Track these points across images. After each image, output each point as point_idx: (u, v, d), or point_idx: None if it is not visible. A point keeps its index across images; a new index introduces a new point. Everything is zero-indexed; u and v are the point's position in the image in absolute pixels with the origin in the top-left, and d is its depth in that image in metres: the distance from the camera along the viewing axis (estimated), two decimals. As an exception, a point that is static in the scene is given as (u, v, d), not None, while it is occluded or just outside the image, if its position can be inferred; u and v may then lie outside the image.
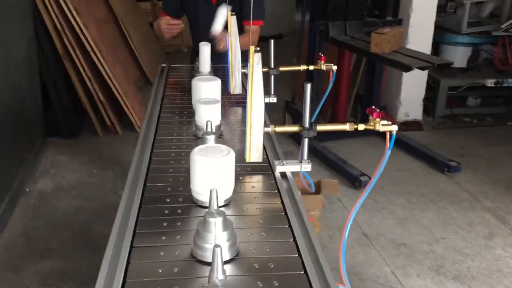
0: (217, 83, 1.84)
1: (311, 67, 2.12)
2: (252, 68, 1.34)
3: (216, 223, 1.06)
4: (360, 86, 4.99)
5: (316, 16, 4.38)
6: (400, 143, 4.28)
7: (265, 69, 1.99)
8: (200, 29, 2.76)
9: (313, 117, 1.65)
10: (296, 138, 4.06)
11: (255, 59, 1.34)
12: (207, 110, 1.65)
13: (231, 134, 1.79)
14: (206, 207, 1.11)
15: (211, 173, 1.24)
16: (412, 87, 4.89)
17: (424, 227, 3.31)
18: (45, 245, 3.01)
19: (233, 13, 1.97)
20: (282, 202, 1.34)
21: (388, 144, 1.35)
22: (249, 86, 1.36)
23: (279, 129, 1.49)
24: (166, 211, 1.28)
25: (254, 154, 1.43)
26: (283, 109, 4.81)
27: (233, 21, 1.96)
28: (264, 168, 1.52)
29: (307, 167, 1.49)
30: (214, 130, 1.54)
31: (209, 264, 0.97)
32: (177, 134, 1.76)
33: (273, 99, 2.08)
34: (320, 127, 1.45)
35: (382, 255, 3.00)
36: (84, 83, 4.31)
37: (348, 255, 2.89)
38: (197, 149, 1.27)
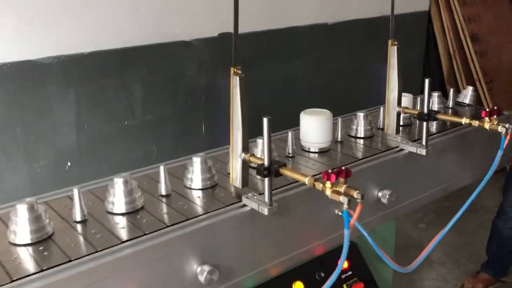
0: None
1: (475, 123, 1.62)
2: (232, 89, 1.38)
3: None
4: None
5: None
6: None
7: (414, 112, 1.75)
8: None
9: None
10: None
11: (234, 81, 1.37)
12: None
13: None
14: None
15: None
16: None
17: None
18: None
19: (396, 43, 1.76)
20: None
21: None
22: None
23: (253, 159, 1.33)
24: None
25: (234, 179, 1.42)
26: None
27: (392, 53, 1.77)
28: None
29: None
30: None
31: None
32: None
33: (421, 151, 1.73)
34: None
35: None
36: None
37: None
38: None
